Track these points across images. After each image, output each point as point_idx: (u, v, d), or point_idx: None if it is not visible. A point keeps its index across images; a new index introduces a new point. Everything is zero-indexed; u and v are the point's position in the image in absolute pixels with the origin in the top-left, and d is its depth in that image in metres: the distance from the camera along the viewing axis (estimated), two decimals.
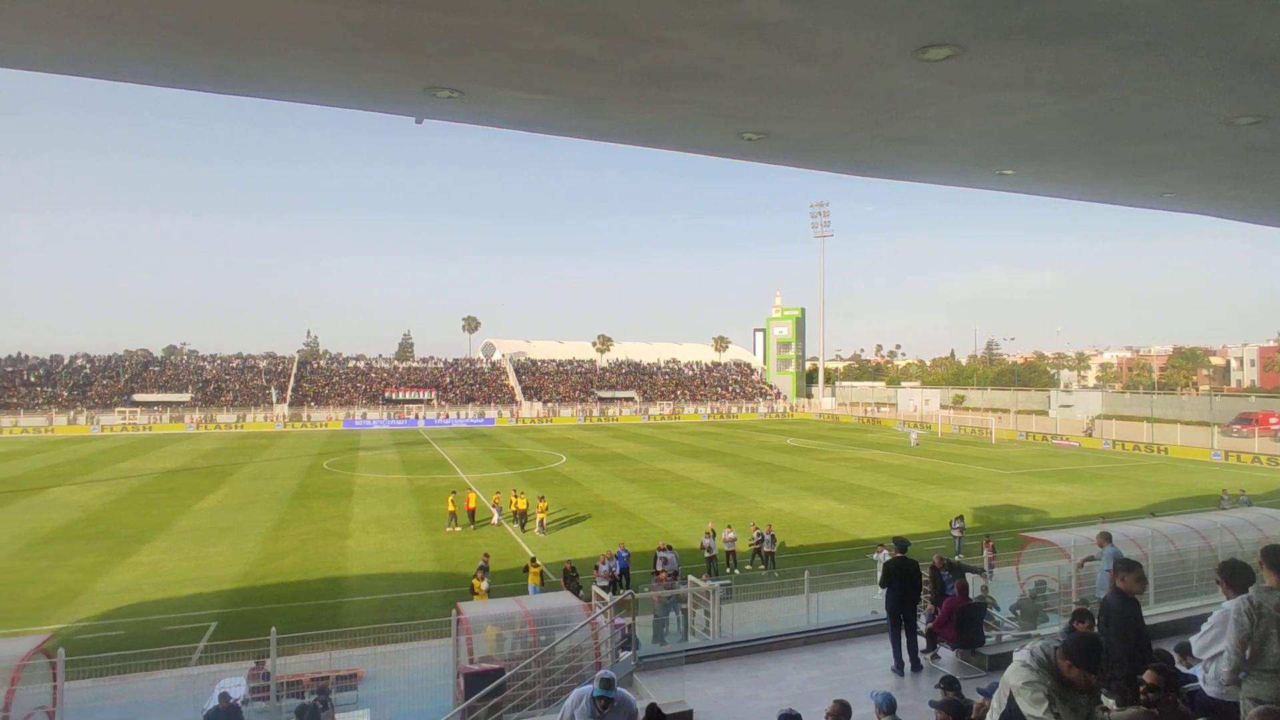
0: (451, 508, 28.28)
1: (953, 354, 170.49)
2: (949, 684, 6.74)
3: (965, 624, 10.62)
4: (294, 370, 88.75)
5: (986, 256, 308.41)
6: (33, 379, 78.99)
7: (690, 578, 17.03)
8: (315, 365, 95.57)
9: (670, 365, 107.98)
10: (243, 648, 13.99)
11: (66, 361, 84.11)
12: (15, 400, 73.82)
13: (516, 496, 29.11)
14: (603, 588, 17.49)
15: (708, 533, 22.69)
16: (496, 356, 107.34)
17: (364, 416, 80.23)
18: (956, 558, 19.49)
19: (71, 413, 72.91)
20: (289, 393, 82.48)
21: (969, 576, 12.43)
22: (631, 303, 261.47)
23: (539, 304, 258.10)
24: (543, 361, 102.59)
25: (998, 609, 13.31)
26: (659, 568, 19.25)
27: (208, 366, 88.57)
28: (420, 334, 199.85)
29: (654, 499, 34.34)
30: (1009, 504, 33.42)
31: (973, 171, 7.39)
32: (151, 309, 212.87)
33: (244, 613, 18.47)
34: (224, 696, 11.30)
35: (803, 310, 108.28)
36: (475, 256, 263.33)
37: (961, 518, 25.43)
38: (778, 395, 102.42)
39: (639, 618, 14.75)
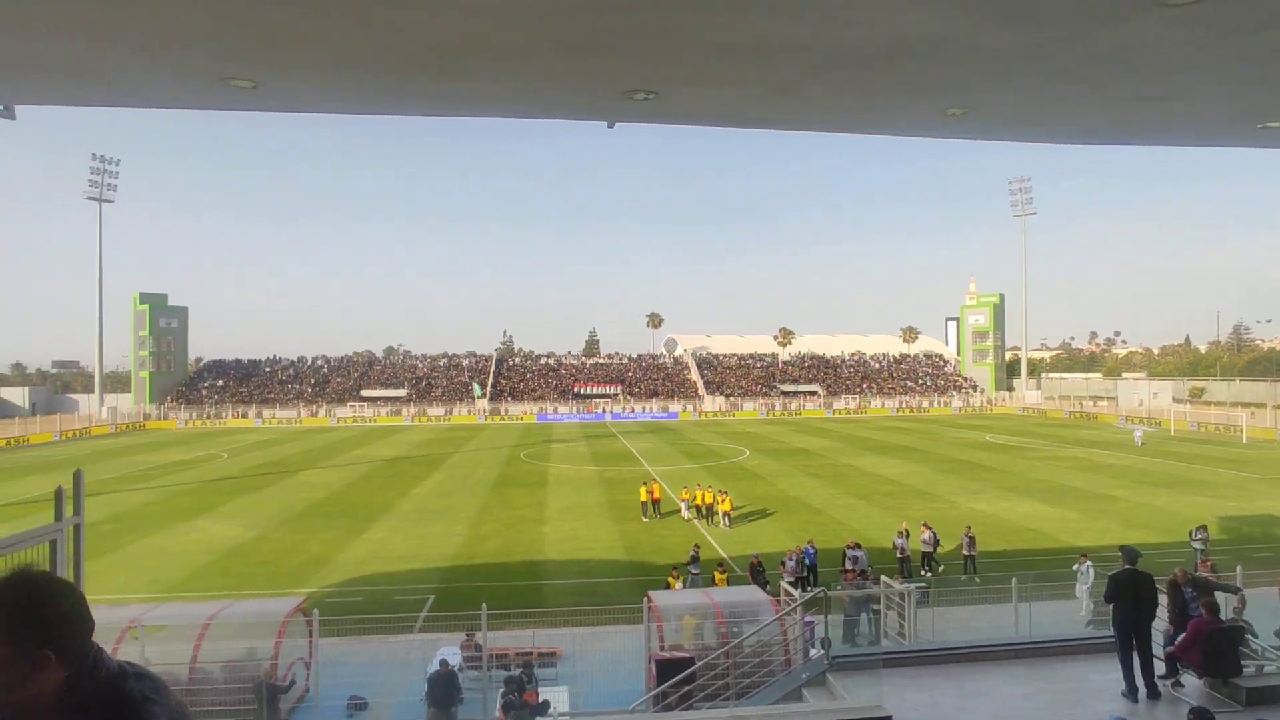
0: (644, 498, 29.19)
1: (1188, 340, 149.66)
2: (1201, 715, 5.92)
3: (1215, 649, 9.27)
4: (492, 367, 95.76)
5: (1230, 227, 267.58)
6: (284, 378, 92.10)
7: (883, 578, 16.35)
8: (511, 363, 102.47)
9: (855, 358, 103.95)
10: (457, 620, 15.40)
11: (310, 362, 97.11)
12: (272, 395, 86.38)
13: (703, 490, 29.39)
14: (790, 584, 17.25)
15: (900, 532, 21.62)
16: (679, 351, 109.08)
17: (555, 410, 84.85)
18: (1201, 572, 16.99)
19: (314, 406, 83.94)
20: (488, 388, 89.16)
21: (1218, 595, 10.86)
22: (813, 294, 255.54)
23: (720, 298, 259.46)
24: (724, 356, 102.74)
25: (1255, 635, 11.52)
26: (848, 566, 18.66)
27: (419, 365, 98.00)
28: (605, 331, 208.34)
29: (841, 495, 33.28)
30: (1266, 514, 28.67)
31: (1226, 127, 6.39)
32: (374, 314, 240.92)
33: (457, 588, 20.25)
34: (444, 662, 12.51)
35: (1001, 296, 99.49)
36: (657, 254, 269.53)
37: (1204, 527, 22.17)
38: (974, 388, 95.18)
39: (829, 616, 14.42)
